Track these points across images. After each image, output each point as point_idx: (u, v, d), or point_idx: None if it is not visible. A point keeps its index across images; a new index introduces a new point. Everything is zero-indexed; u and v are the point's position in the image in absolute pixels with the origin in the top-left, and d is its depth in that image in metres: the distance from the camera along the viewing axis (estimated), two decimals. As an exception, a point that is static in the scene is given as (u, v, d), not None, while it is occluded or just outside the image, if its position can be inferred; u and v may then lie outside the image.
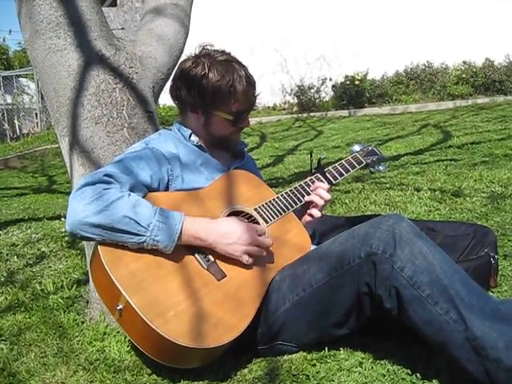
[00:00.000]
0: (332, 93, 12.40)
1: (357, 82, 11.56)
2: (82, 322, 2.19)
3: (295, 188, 2.04)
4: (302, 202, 2.01)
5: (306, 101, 12.39)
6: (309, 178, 2.10)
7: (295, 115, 12.07)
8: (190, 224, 1.68)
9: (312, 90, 12.42)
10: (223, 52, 1.95)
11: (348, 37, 11.66)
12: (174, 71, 1.99)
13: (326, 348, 1.76)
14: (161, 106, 10.85)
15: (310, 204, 2.07)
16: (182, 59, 2.00)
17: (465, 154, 5.29)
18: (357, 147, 2.32)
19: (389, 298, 1.53)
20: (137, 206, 1.63)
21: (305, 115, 11.88)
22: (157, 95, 2.31)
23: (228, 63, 1.90)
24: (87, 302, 2.34)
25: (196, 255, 1.69)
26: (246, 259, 1.71)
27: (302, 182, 2.08)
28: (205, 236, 1.68)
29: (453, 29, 11.14)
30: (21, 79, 15.51)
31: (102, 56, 2.11)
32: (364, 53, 11.47)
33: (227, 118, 1.92)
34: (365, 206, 3.60)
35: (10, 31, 34.44)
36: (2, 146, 13.04)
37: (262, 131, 10.16)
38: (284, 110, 12.95)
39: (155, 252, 1.65)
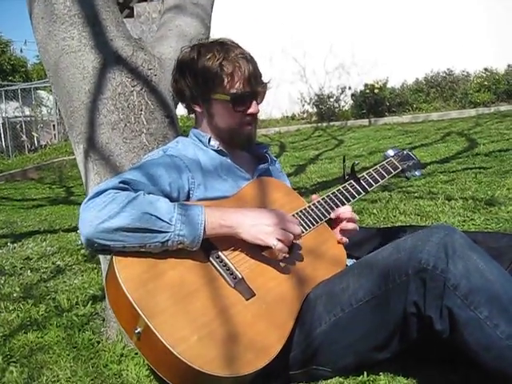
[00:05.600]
0: (351, 102, 12.26)
1: (376, 91, 11.42)
2: (98, 342, 2.07)
3: (328, 196, 1.88)
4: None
5: (325, 110, 12.28)
6: (342, 185, 1.95)
7: (314, 124, 11.96)
8: (212, 212, 1.53)
9: (331, 99, 12.31)
10: (219, 38, 1.85)
11: (367, 45, 11.55)
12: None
13: (365, 373, 1.62)
14: (178, 117, 10.77)
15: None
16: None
17: (493, 161, 5.14)
18: (391, 152, 2.19)
19: (440, 320, 1.37)
20: (154, 202, 1.48)
21: (324, 124, 11.78)
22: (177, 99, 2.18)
23: (220, 44, 1.79)
24: (103, 320, 2.23)
25: (222, 272, 1.53)
26: (274, 243, 1.52)
27: (335, 190, 1.91)
28: (229, 220, 1.53)
29: (473, 36, 10.97)
30: (39, 91, 15.61)
31: (118, 57, 2.00)
32: (383, 61, 11.34)
33: (225, 99, 1.75)
34: (394, 216, 3.44)
35: (26, 42, 35.41)
36: (20, 157, 13.15)
37: (280, 141, 10.07)
38: (303, 119, 12.84)
39: (177, 268, 1.48)
